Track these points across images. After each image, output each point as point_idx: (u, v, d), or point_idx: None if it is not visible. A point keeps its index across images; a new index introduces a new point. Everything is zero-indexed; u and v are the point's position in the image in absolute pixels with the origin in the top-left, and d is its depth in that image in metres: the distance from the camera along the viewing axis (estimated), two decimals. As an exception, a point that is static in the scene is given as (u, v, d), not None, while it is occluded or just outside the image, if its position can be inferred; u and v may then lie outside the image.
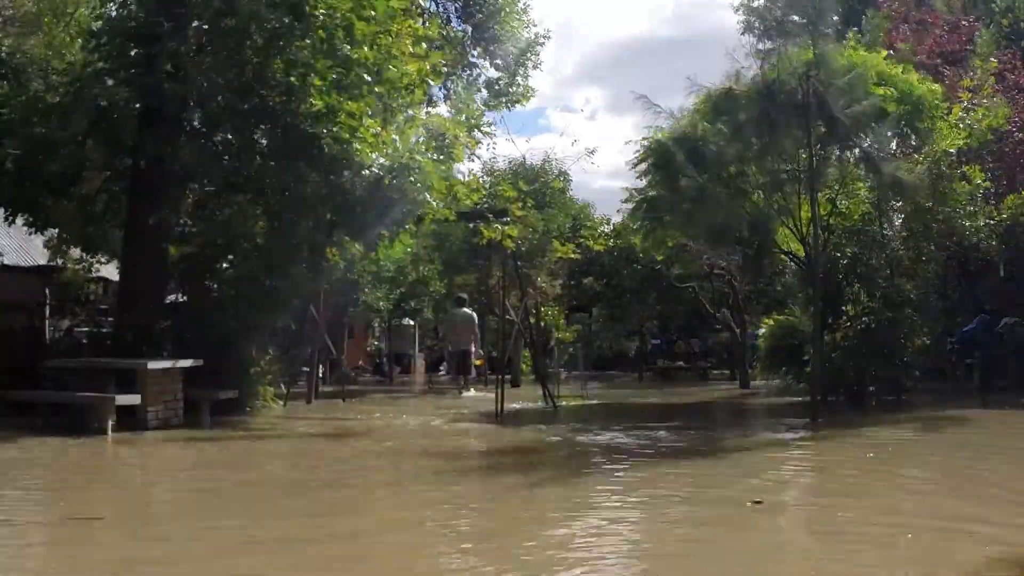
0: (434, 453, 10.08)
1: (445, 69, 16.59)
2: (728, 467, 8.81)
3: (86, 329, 16.39)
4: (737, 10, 28.22)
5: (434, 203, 14.28)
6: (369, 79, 12.33)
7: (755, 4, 27.34)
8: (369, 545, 5.59)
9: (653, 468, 8.65)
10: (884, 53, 15.25)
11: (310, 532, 5.75)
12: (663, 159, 14.98)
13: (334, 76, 12.14)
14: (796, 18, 14.38)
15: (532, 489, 7.53)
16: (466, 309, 20.88)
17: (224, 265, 14.84)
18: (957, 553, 5.02)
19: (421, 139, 14.30)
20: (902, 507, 6.65)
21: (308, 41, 12.10)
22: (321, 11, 12.04)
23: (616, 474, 8.50)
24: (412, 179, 13.10)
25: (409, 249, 19.71)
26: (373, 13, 12.42)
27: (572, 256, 21.74)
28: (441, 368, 33.79)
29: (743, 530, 5.77)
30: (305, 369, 17.78)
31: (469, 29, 21.97)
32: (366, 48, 12.33)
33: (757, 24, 26.76)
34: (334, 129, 12.11)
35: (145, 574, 4.79)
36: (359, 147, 12.37)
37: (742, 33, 27.85)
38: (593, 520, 6.19)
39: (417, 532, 6.00)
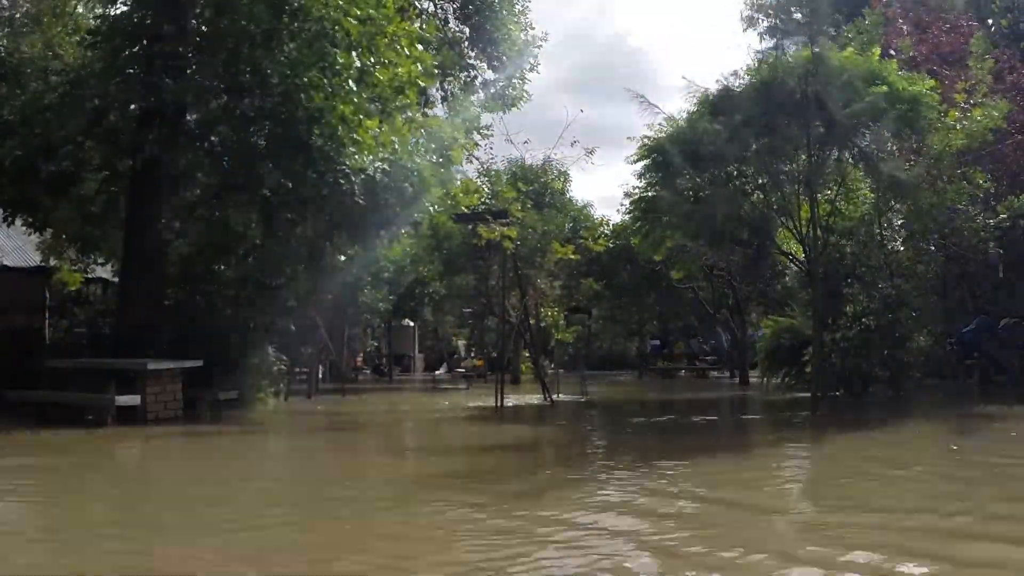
0: (423, 443, 10.06)
1: (436, 71, 16.48)
2: (718, 458, 8.78)
3: (86, 330, 16.39)
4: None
5: (431, 208, 14.28)
6: (354, 86, 12.27)
7: (762, 1, 27.41)
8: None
9: (644, 462, 8.62)
10: (878, 52, 15.18)
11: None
12: (661, 159, 14.96)
13: (323, 79, 12.13)
14: (799, 16, 14.39)
15: (526, 479, 7.51)
16: None
17: (223, 266, 14.86)
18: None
19: (421, 140, 14.27)
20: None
21: (297, 43, 12.09)
22: (313, 11, 12.01)
23: (600, 466, 8.48)
24: (409, 183, 13.07)
25: (408, 249, 19.75)
26: (359, 12, 12.36)
27: (572, 257, 21.74)
28: (440, 368, 33.84)
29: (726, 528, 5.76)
30: (305, 369, 17.80)
31: (467, 31, 21.91)
32: (354, 53, 12.29)
33: (761, 19, 26.85)
34: (328, 131, 12.11)
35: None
36: (355, 149, 12.36)
37: (744, 30, 28.00)
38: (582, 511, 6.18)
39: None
